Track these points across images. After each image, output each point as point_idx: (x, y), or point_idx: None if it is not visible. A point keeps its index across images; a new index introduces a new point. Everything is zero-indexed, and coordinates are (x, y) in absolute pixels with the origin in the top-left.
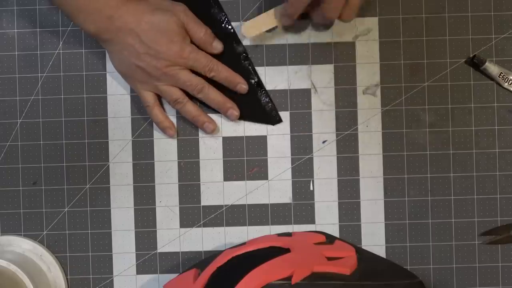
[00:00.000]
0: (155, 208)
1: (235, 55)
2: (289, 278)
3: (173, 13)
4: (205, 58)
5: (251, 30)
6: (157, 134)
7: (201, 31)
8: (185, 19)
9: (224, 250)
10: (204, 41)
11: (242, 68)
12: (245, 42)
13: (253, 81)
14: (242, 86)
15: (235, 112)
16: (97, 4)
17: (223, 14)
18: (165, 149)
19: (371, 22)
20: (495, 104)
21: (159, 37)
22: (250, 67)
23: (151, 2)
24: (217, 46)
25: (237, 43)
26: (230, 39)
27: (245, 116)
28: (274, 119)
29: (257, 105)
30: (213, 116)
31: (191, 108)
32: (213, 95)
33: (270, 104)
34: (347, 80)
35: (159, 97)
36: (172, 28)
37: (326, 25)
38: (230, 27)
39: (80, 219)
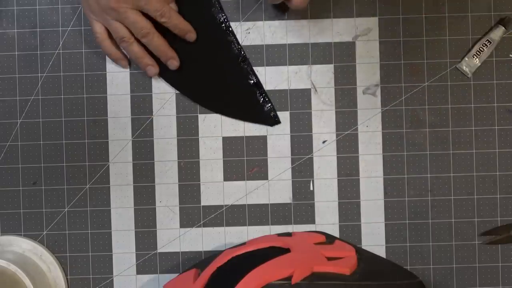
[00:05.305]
0: (155, 208)
1: (233, 56)
2: (289, 278)
3: None
4: (158, 2)
5: None
6: (157, 134)
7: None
8: None
9: (224, 250)
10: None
11: (240, 69)
12: (245, 43)
13: (251, 82)
14: (191, 34)
15: (175, 62)
16: None
17: (223, 14)
18: (165, 149)
19: (371, 22)
20: (495, 104)
21: None
22: (248, 68)
23: None
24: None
25: (236, 44)
26: (228, 39)
27: (243, 116)
28: (273, 120)
29: (255, 106)
30: (212, 116)
31: (136, 49)
32: (157, 42)
33: (268, 105)
34: (347, 80)
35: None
36: None
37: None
38: (229, 28)
39: (80, 219)
